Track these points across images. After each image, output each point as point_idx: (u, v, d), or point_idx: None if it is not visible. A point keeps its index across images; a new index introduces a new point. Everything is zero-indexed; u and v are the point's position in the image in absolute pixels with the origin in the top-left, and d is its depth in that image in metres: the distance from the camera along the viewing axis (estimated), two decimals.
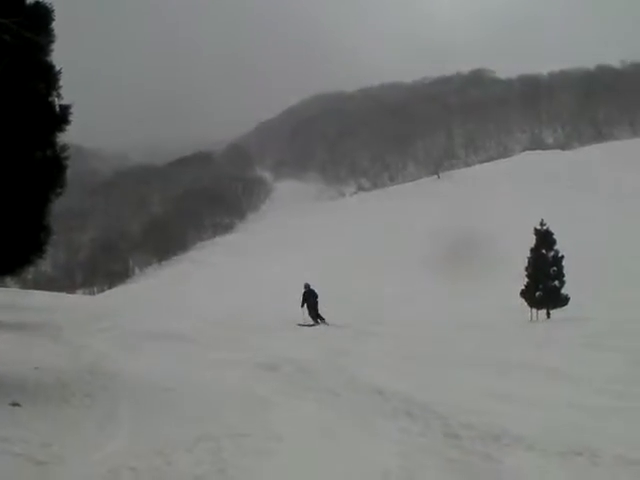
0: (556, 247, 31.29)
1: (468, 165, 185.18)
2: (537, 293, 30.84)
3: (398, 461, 7.03)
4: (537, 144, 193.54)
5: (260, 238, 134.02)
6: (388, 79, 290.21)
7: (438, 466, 6.88)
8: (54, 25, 10.77)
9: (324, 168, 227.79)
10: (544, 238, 31.40)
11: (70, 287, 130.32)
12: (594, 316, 26.78)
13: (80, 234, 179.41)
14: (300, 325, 26.74)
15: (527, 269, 31.89)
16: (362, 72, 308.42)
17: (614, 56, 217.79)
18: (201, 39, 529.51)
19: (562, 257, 31.17)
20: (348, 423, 8.90)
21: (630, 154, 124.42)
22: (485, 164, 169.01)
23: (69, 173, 10.98)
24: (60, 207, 12.74)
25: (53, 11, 10.74)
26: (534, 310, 30.91)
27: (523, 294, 31.63)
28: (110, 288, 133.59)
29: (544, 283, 30.86)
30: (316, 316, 28.43)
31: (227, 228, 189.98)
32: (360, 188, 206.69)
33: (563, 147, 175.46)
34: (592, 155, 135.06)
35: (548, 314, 30.75)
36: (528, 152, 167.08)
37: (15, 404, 8.64)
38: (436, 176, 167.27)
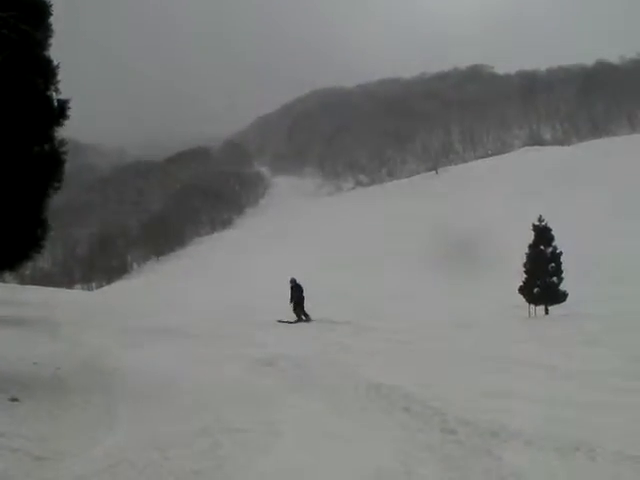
0: (554, 243, 31.28)
1: (466, 161, 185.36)
2: (535, 289, 30.84)
3: (396, 456, 7.03)
4: (535, 140, 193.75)
5: (258, 234, 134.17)
6: (386, 74, 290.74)
7: (436, 462, 6.88)
8: (52, 20, 10.75)
9: (322, 163, 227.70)
10: (542, 234, 31.37)
11: (68, 283, 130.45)
12: (592, 312, 26.79)
13: (78, 229, 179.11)
14: (280, 322, 26.34)
15: (525, 265, 31.86)
16: (360, 67, 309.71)
17: (613, 52, 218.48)
18: (199, 35, 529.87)
19: (560, 253, 31.15)
20: (347, 418, 8.90)
21: (628, 150, 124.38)
22: (483, 160, 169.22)
23: (67, 168, 10.95)
24: (58, 202, 12.75)
25: (51, 6, 10.71)
26: (532, 306, 30.91)
27: (521, 290, 31.63)
28: (108, 284, 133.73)
29: (542, 279, 30.86)
30: (301, 312, 27.97)
31: (225, 224, 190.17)
32: (358, 183, 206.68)
33: (561, 143, 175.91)
34: (590, 151, 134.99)
35: (546, 310, 30.76)
36: (526, 148, 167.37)
37: (14, 399, 8.63)
38: (434, 172, 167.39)
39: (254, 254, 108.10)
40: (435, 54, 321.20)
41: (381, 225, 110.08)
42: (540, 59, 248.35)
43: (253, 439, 7.60)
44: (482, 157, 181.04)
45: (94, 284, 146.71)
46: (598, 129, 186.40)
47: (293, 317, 27.50)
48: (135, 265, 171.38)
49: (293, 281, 29.29)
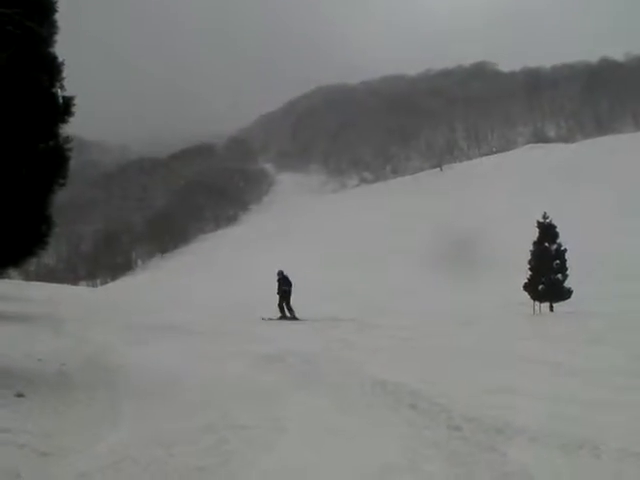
0: (559, 240, 31.28)
1: (470, 158, 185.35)
2: (540, 286, 30.84)
3: (402, 453, 7.03)
4: (540, 137, 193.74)
5: (262, 230, 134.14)
6: (390, 71, 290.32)
7: (441, 458, 6.88)
8: (57, 17, 10.76)
9: (326, 160, 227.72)
10: (547, 231, 31.39)
11: (72, 279, 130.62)
12: (597, 310, 26.78)
13: (82, 226, 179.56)
14: (263, 319, 25.97)
15: (530, 262, 31.88)
16: (364, 64, 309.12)
17: (617, 49, 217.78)
18: (203, 32, 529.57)
19: (565, 250, 31.16)
20: (352, 415, 8.90)
21: (633, 147, 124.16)
22: (487, 157, 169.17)
23: (71, 165, 10.96)
24: (62, 199, 12.76)
25: (56, 2, 10.72)
26: (537, 303, 30.92)
27: (526, 287, 31.64)
28: (113, 280, 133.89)
29: (547, 276, 30.86)
30: (287, 308, 27.25)
31: (230, 220, 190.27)
32: (362, 180, 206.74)
33: (566, 140, 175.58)
34: (595, 148, 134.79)
35: (551, 307, 30.77)
36: (531, 145, 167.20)
37: (19, 395, 8.65)
38: (438, 169, 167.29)
39: (258, 251, 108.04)
40: (439, 51, 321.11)
41: (385, 222, 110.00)
42: (545, 56, 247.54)
43: (258, 436, 7.59)
44: (486, 154, 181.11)
45: (98, 280, 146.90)
46: (602, 126, 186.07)
47: (280, 314, 27.01)
48: (139, 262, 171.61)
49: (280, 273, 28.58)
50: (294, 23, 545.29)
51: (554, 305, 30.83)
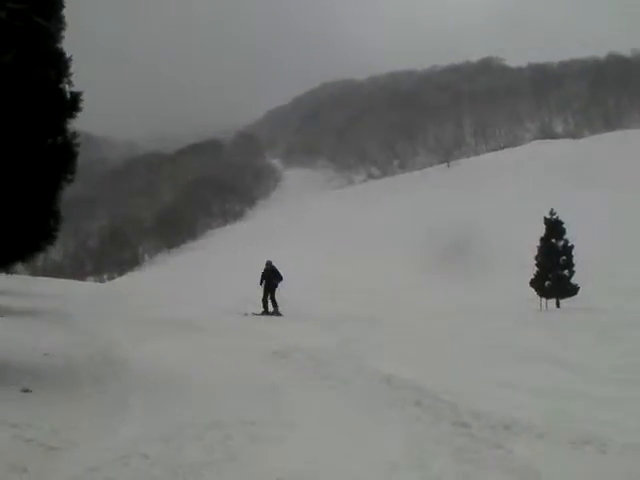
0: (565, 236, 31.25)
1: (478, 154, 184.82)
2: (546, 282, 30.83)
3: (408, 450, 7.05)
4: (547, 133, 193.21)
5: (270, 226, 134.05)
6: (397, 67, 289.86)
7: (448, 454, 6.89)
8: (65, 12, 10.76)
9: (334, 156, 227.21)
10: (554, 227, 31.38)
11: (80, 275, 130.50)
12: (603, 306, 26.78)
13: (89, 222, 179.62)
14: (247, 314, 24.97)
15: (537, 258, 31.88)
16: (371, 60, 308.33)
17: (625, 45, 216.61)
18: (211, 28, 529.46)
19: (572, 246, 31.15)
20: (359, 411, 8.92)
21: None
22: (495, 153, 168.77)
23: (79, 160, 10.96)
24: (70, 195, 12.75)
25: None
26: (543, 299, 30.91)
27: (533, 283, 31.65)
28: (120, 276, 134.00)
29: (553, 272, 30.84)
30: (272, 302, 25.81)
31: (237, 216, 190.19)
32: (370, 176, 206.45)
33: (573, 136, 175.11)
34: (602, 144, 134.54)
35: (558, 303, 30.75)
36: (538, 141, 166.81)
37: (26, 390, 8.67)
38: (446, 164, 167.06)
39: (266, 246, 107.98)
40: (446, 46, 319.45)
41: (392, 217, 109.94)
42: (552, 52, 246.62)
43: (265, 431, 7.61)
44: (494, 150, 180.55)
45: (105, 276, 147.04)
46: (610, 122, 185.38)
47: (263, 308, 25.91)
48: (147, 257, 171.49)
49: (269, 264, 26.88)
50: (302, 19, 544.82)
51: (560, 301, 30.81)
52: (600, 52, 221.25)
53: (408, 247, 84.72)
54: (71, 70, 10.64)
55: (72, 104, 10.63)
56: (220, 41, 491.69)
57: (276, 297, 26.07)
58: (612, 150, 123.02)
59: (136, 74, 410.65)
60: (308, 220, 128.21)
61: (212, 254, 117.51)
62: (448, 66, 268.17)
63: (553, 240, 31.32)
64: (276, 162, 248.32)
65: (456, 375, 11.91)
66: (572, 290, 30.67)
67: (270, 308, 25.81)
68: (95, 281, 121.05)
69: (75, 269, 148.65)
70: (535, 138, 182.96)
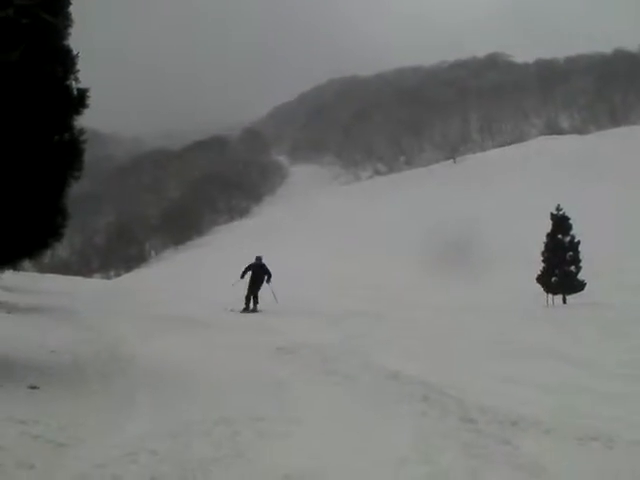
0: (572, 232, 31.19)
1: (484, 150, 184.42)
2: (553, 278, 30.78)
3: (415, 445, 7.06)
4: (553, 129, 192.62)
5: (276, 222, 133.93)
6: (403, 63, 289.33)
7: (455, 450, 6.90)
8: (72, 9, 10.77)
9: (340, 152, 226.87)
10: (560, 223, 31.30)
11: (86, 271, 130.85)
12: (609, 302, 26.72)
13: (96, 218, 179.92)
14: (232, 310, 24.70)
15: (543, 254, 31.81)
16: (377, 56, 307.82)
17: (632, 41, 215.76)
18: (217, 24, 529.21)
19: (578, 242, 31.07)
20: (366, 407, 8.92)
21: None
22: (501, 148, 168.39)
23: (85, 157, 10.97)
24: (76, 191, 12.76)
25: None
26: (550, 295, 30.87)
27: (539, 279, 31.60)
28: (127, 272, 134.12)
29: (560, 268, 30.79)
30: (253, 297, 25.26)
31: (243, 212, 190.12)
32: (376, 172, 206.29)
33: (579, 132, 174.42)
34: (608, 140, 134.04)
35: (564, 299, 30.70)
36: (545, 137, 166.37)
37: (33, 387, 8.70)
38: (452, 160, 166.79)
39: (272, 243, 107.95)
40: (452, 42, 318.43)
41: (398, 213, 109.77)
42: (558, 47, 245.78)
43: (273, 427, 7.62)
44: (500, 146, 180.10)
45: (112, 273, 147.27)
46: (616, 118, 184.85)
47: (244, 305, 25.41)
48: (153, 254, 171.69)
49: (259, 259, 26.47)
50: (307, 14, 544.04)
51: (567, 297, 30.76)
52: (607, 48, 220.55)
53: (414, 243, 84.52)
54: (78, 67, 10.66)
55: (79, 101, 10.64)
56: (226, 38, 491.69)
57: (252, 293, 25.46)
58: (618, 146, 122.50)
59: (142, 71, 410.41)
60: (314, 216, 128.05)
61: (218, 250, 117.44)
62: (454, 62, 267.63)
63: (560, 236, 31.24)
64: (282, 158, 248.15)
65: (463, 371, 11.92)
66: (579, 286, 30.60)
67: (251, 305, 25.27)
68: (102, 278, 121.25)
69: (82, 266, 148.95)
70: (541, 134, 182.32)
